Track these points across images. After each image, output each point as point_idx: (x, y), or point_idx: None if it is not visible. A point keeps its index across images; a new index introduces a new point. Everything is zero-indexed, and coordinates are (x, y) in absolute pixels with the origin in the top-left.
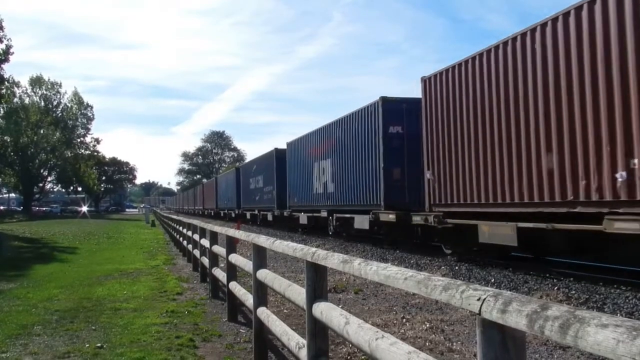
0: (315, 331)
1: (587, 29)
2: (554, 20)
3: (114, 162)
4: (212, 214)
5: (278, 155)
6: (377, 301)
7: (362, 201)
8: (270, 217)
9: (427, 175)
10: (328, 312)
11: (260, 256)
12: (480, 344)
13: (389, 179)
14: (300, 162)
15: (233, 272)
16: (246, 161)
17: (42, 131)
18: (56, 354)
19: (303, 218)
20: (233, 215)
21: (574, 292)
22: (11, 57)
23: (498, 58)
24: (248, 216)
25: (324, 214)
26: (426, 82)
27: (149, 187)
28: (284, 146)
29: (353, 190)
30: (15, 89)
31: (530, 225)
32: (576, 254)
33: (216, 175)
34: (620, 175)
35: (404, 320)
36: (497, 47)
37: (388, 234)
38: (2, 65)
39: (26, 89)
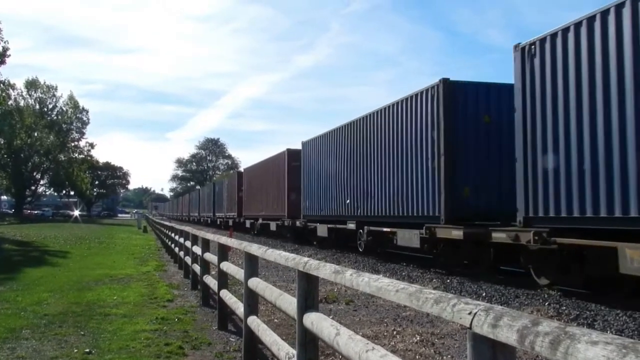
0: (305, 341)
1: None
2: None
3: (108, 166)
4: (278, 229)
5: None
6: (368, 313)
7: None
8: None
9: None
10: (319, 322)
11: (252, 264)
12: (471, 358)
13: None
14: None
15: (224, 280)
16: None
17: (36, 134)
18: (44, 359)
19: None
20: (366, 237)
21: (564, 308)
22: (7, 59)
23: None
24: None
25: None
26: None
27: (142, 193)
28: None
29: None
30: (11, 91)
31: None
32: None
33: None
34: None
35: (395, 332)
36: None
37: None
38: None
39: (21, 92)
